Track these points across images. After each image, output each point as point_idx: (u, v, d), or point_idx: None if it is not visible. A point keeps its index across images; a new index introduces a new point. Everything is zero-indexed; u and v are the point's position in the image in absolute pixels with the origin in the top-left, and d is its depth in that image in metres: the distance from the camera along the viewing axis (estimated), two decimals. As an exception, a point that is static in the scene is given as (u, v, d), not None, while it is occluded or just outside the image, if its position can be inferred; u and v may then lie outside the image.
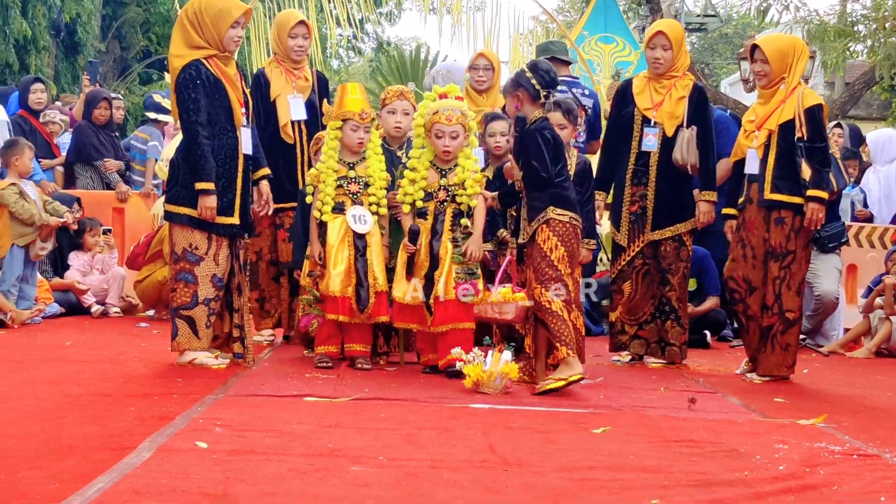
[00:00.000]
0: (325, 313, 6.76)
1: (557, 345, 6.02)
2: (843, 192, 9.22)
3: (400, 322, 6.71)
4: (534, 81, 6.27)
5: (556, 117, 6.73)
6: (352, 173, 6.82)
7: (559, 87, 7.75)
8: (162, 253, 9.11)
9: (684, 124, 7.40)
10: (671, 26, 7.76)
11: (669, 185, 7.47)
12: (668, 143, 7.44)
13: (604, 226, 8.24)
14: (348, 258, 6.70)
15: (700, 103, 7.49)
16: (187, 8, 6.56)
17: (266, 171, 6.90)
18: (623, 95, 7.70)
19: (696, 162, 7.39)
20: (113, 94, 12.42)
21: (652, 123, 7.49)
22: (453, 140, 6.55)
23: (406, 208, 6.63)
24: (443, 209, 6.58)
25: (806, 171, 6.87)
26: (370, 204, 6.81)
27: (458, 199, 6.55)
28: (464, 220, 6.51)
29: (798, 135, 6.86)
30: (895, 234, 10.25)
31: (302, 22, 7.91)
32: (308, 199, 6.94)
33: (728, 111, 10.37)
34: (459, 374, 6.21)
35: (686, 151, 7.36)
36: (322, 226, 6.78)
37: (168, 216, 6.64)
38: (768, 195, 6.94)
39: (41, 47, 20.64)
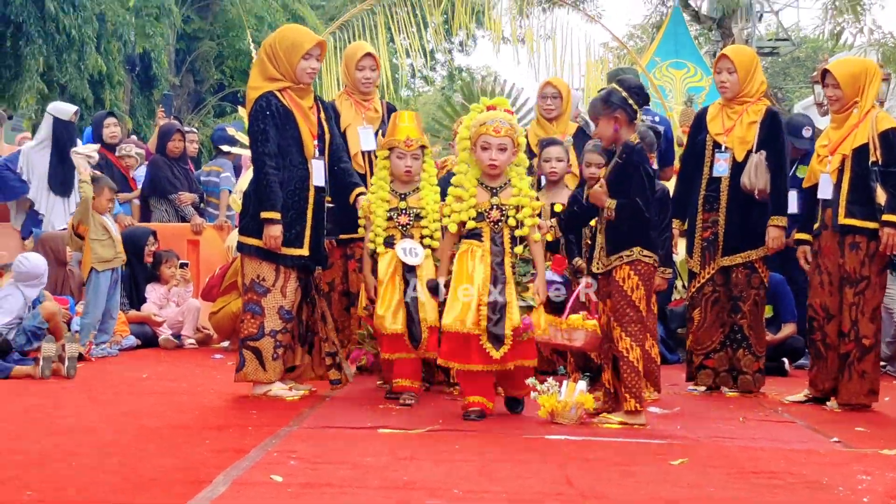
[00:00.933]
0: (378, 350, 6.73)
1: (626, 395, 5.91)
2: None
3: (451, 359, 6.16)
4: (630, 101, 6.01)
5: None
6: (402, 204, 6.70)
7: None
8: (236, 284, 9.15)
9: (754, 149, 7.33)
10: (736, 50, 7.70)
11: (741, 210, 7.38)
12: (738, 169, 7.36)
13: (679, 253, 8.17)
14: (398, 294, 6.61)
15: (773, 128, 7.39)
16: (265, 41, 6.71)
17: (360, 188, 6.95)
18: (698, 122, 7.67)
19: (764, 187, 7.28)
20: (186, 128, 12.54)
21: (723, 149, 7.42)
22: (501, 153, 6.06)
23: (452, 228, 6.15)
24: (499, 230, 6.11)
25: (881, 196, 6.79)
26: (422, 237, 6.67)
27: (511, 223, 6.07)
28: (518, 248, 6.08)
29: (872, 159, 6.78)
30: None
31: (369, 54, 7.95)
32: (360, 232, 6.89)
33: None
34: (520, 405, 6.19)
35: (754, 176, 7.27)
36: (374, 258, 6.69)
37: (239, 247, 6.71)
38: (842, 220, 6.86)
39: (116, 82, 20.92)
